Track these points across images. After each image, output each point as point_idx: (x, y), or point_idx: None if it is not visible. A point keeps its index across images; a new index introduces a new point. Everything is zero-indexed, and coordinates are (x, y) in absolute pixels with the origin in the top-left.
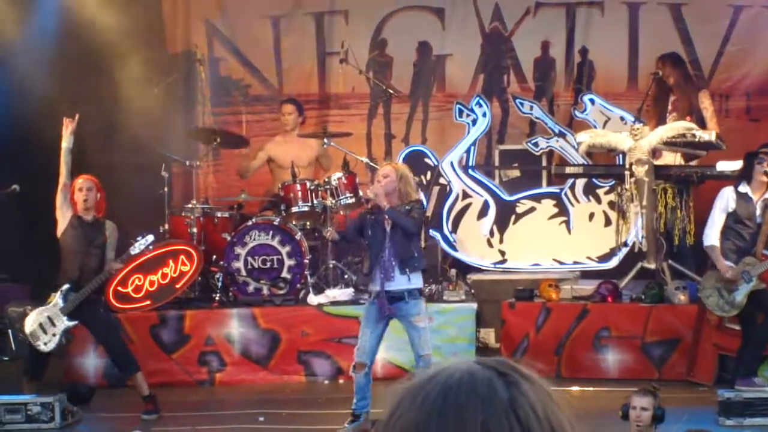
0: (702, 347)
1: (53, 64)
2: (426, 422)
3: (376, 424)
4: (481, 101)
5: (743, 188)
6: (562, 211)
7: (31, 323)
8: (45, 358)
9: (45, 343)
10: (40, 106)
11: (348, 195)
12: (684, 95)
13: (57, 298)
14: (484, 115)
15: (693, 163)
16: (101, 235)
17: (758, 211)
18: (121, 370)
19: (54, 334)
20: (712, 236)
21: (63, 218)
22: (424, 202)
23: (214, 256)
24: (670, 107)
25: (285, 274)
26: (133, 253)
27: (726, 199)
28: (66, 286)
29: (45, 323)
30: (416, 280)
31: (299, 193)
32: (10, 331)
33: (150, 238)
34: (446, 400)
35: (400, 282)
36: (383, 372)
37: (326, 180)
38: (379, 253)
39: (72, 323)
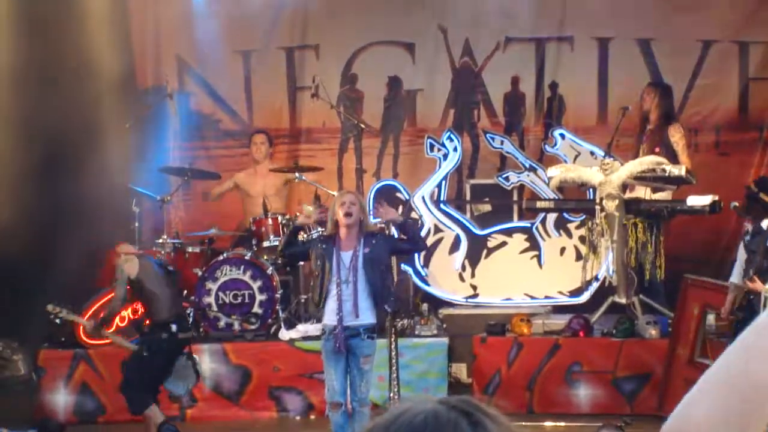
0: (673, 382)
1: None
2: None
3: None
4: (452, 136)
5: None
6: (534, 245)
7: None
8: None
9: None
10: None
11: (320, 229)
12: (659, 127)
13: None
14: (455, 149)
15: (663, 195)
16: None
17: None
18: None
19: None
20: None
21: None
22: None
23: (185, 291)
24: (643, 138)
25: (256, 309)
26: None
27: None
28: None
29: None
30: (373, 317)
31: (270, 228)
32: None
33: None
34: None
35: (359, 319)
36: None
37: (298, 214)
38: (336, 287)
39: None
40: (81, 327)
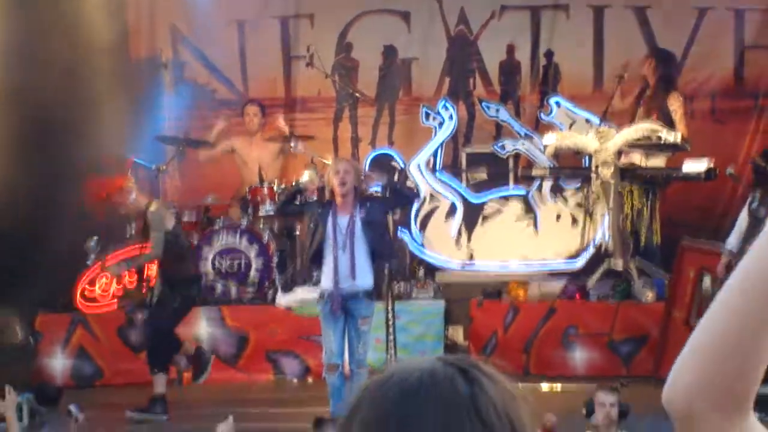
0: (669, 345)
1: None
2: (385, 419)
3: (337, 421)
4: (447, 104)
5: None
6: (530, 212)
7: None
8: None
9: None
10: None
11: (315, 197)
12: (658, 94)
13: None
14: (451, 118)
15: (658, 161)
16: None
17: None
18: None
19: None
20: None
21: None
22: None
23: None
24: (641, 103)
25: (253, 275)
26: None
27: None
28: None
29: None
30: (371, 280)
31: (266, 196)
32: None
33: None
34: (405, 396)
35: (357, 282)
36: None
37: (294, 183)
38: (333, 251)
39: None
40: (101, 264)
